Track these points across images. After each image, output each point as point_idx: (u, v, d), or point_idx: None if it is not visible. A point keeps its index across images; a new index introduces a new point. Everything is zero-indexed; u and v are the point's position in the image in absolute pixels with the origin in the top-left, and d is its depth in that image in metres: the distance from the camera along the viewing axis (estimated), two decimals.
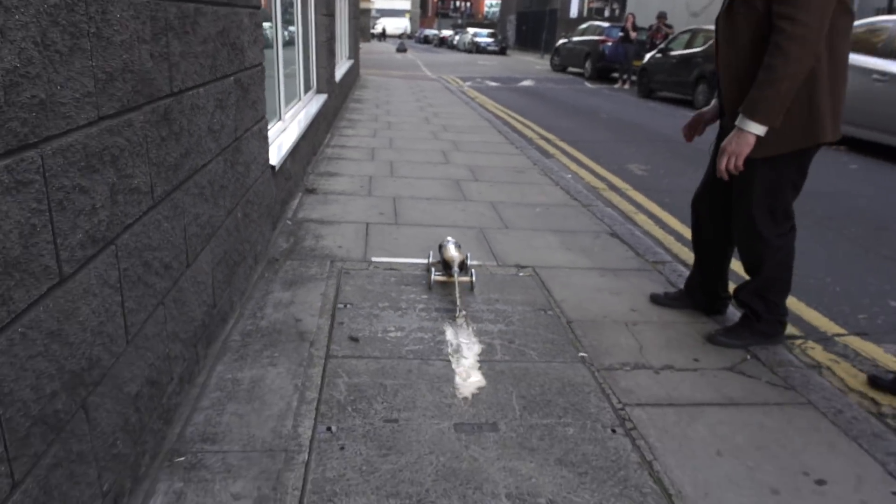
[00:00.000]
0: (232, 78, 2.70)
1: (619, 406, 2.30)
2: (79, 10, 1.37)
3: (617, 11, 25.70)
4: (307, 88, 6.63)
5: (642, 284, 3.45)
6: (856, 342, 3.26)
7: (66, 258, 1.32)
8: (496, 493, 1.81)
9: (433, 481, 1.84)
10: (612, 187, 6.16)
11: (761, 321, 2.81)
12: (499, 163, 6.42)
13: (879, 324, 3.46)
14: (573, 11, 28.19)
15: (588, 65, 17.82)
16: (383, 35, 51.31)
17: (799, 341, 3.25)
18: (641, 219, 5.17)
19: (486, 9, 65.54)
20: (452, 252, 3.20)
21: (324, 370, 2.40)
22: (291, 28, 5.60)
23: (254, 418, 2.09)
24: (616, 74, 17.01)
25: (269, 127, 4.19)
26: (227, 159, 2.63)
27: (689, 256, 4.32)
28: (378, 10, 61.19)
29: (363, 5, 44.03)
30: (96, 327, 1.45)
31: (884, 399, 2.68)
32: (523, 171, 6.13)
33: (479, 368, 2.49)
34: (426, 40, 50.61)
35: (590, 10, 27.10)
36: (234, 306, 2.79)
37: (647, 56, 14.01)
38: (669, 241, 4.59)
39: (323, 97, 6.83)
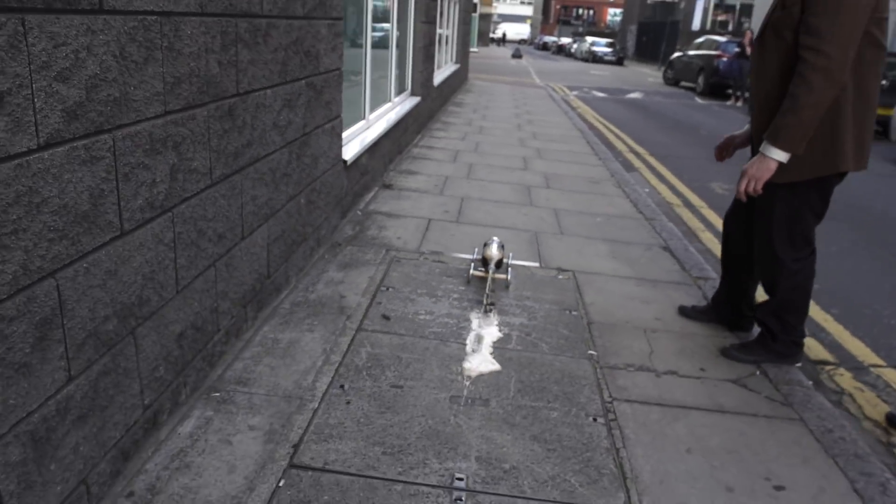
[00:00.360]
0: (304, 81, 3.11)
1: (609, 399, 2.50)
2: (153, 29, 1.78)
3: (746, 24, 24.70)
4: (401, 91, 7.08)
5: (677, 297, 3.57)
6: (890, 374, 3.24)
7: (126, 217, 1.74)
8: (468, 454, 2.08)
9: (416, 438, 2.14)
10: (687, 204, 6.17)
11: (777, 341, 2.89)
12: (577, 172, 6.58)
13: None
14: (696, 24, 27.35)
15: (701, 80, 17.35)
16: (503, 40, 51.80)
17: (829, 367, 3.27)
18: (706, 237, 5.20)
19: (608, 18, 64.63)
20: (492, 251, 3.47)
21: (352, 340, 2.76)
22: (386, 33, 6.04)
23: (282, 371, 2.48)
24: (730, 91, 16.45)
25: (351, 126, 4.63)
26: (292, 151, 3.05)
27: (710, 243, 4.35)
28: (500, 15, 61.73)
29: (483, 10, 44.63)
30: (148, 273, 1.86)
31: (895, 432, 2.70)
32: (599, 181, 6.27)
33: (491, 353, 2.75)
34: (545, 47, 50.63)
35: (714, 22, 26.21)
36: (289, 280, 3.21)
37: None
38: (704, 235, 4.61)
39: (415, 100, 7.25)
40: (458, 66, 13.17)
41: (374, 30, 5.37)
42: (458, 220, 4.60)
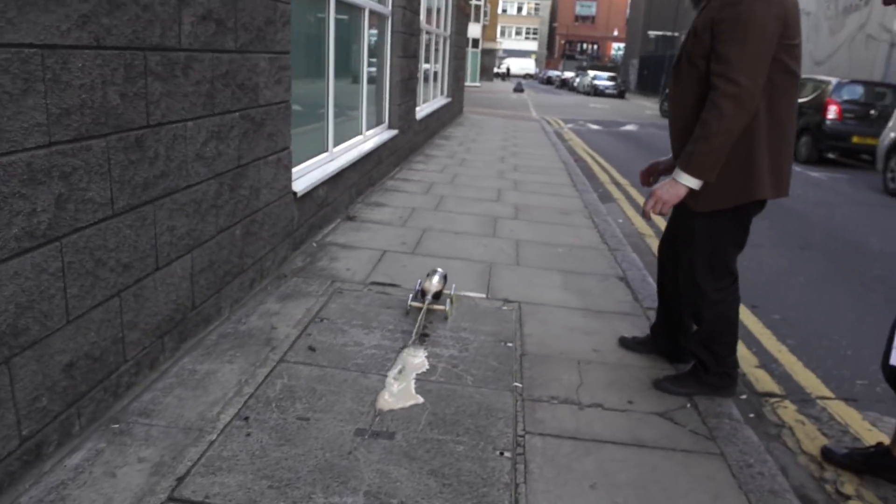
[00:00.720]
0: (237, 113, 3.14)
1: (521, 433, 2.45)
2: (33, 62, 1.81)
3: None
4: (377, 124, 7.15)
5: (622, 328, 3.52)
6: (838, 407, 3.17)
7: None
8: (357, 489, 2.04)
9: (308, 471, 2.10)
10: (660, 234, 6.13)
11: (710, 373, 2.84)
12: (550, 204, 6.58)
13: (876, 391, 3.33)
14: None
15: None
16: (507, 74, 52.46)
17: (775, 400, 3.21)
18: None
19: (612, 52, 65.39)
20: (431, 282, 3.46)
21: (270, 371, 2.73)
22: (356, 67, 6.12)
23: (190, 402, 2.45)
24: None
25: (311, 158, 4.66)
26: (223, 183, 3.06)
27: None
28: (505, 51, 62.60)
29: (487, 45, 45.29)
30: (25, 303, 1.85)
31: (829, 467, 2.63)
32: (570, 213, 6.26)
33: (411, 386, 2.71)
34: (549, 81, 51.24)
35: None
36: (222, 311, 3.20)
37: None
38: None
39: (392, 133, 7.31)
40: (449, 99, 13.32)
41: (340, 64, 5.45)
42: (414, 251, 4.60)
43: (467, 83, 34.61)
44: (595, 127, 17.03)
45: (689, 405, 2.79)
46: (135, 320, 2.44)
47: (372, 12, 6.36)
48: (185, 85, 2.65)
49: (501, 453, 2.30)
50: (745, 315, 4.28)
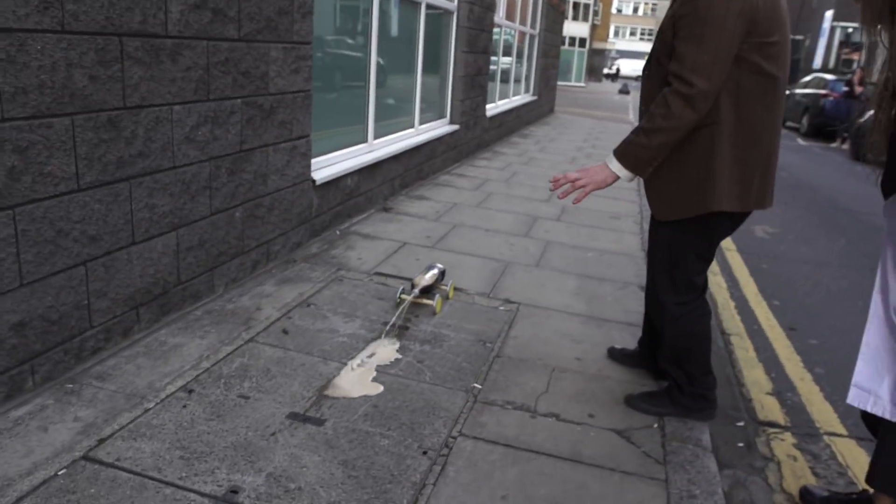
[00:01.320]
0: (239, 100, 3.26)
1: (455, 434, 2.40)
2: None
3: (857, 63, 22.93)
4: (437, 118, 7.18)
5: (618, 338, 3.37)
6: (846, 446, 2.89)
7: None
8: (262, 469, 2.07)
9: (223, 447, 2.16)
10: None
11: (684, 393, 2.66)
12: (602, 207, 6.36)
13: None
14: (817, 62, 25.67)
15: (805, 120, 16.24)
16: (616, 75, 51.09)
17: (774, 431, 2.98)
18: (715, 280, 4.87)
19: None
20: (423, 276, 3.45)
21: (235, 349, 2.82)
22: (411, 61, 6.17)
23: (146, 371, 2.58)
24: (833, 130, 15.30)
25: (347, 147, 4.76)
26: (219, 166, 3.19)
27: (730, 325, 4.05)
28: (618, 51, 60.95)
29: (598, 45, 44.30)
30: None
31: None
32: (620, 217, 6.03)
33: (366, 376, 2.72)
34: None
35: (839, 60, 24.50)
36: (215, 288, 3.33)
37: (868, 114, 12.46)
38: (723, 304, 4.31)
39: (452, 128, 7.32)
40: (534, 98, 13.15)
41: (388, 58, 5.52)
42: (435, 245, 4.59)
43: (569, 83, 34.11)
44: None
45: (656, 425, 2.63)
46: (104, 289, 2.59)
47: (432, 6, 6.38)
48: (173, 70, 2.77)
49: (425, 452, 2.26)
50: (778, 337, 3.97)
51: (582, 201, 6.30)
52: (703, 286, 2.54)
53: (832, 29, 24.98)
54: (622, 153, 2.30)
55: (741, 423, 3.01)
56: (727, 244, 5.85)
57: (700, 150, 2.25)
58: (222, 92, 3.12)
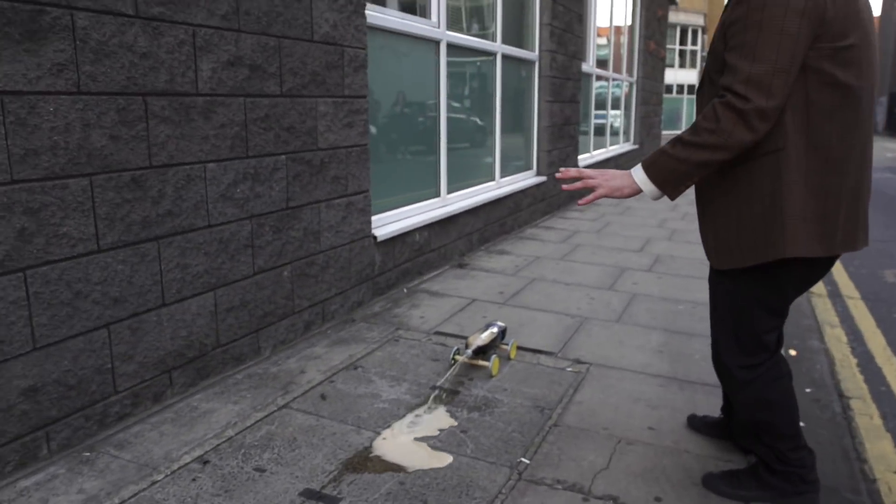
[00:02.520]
0: (283, 156, 3.20)
1: None
2: None
3: None
4: (522, 170, 6.96)
5: (703, 404, 2.89)
6: None
7: None
8: None
9: None
10: (834, 293, 5.09)
11: (774, 473, 2.17)
12: (700, 255, 5.81)
13: None
14: None
15: None
16: None
17: None
18: (833, 334, 4.21)
19: None
20: (477, 335, 3.16)
21: (266, 416, 2.64)
22: (487, 115, 6.03)
23: (168, 440, 2.44)
24: None
25: (417, 202, 4.63)
26: (263, 224, 3.11)
27: (851, 385, 3.43)
28: None
29: None
30: None
31: None
32: None
33: (400, 448, 2.44)
34: None
35: None
36: (261, 351, 3.21)
37: None
38: (842, 360, 3.68)
39: (538, 179, 7.06)
40: (635, 146, 12.67)
41: (461, 109, 5.41)
42: (507, 302, 4.28)
43: (678, 131, 32.94)
44: None
45: None
46: (130, 353, 2.51)
47: (508, 56, 6.25)
48: (205, 128, 2.74)
49: None
50: None
51: (679, 251, 5.82)
52: (777, 345, 2.08)
53: None
54: (651, 163, 1.89)
55: None
56: (849, 291, 5.10)
57: (763, 184, 1.83)
58: (263, 148, 3.06)
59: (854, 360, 3.78)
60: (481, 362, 3.10)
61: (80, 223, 2.27)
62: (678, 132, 33.40)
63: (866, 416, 3.15)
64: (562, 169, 2.01)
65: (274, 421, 2.61)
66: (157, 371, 2.65)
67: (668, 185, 1.88)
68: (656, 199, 1.94)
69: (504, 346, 3.32)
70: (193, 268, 2.76)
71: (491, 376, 3.09)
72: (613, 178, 1.97)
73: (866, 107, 1.83)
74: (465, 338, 3.56)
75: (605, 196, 1.98)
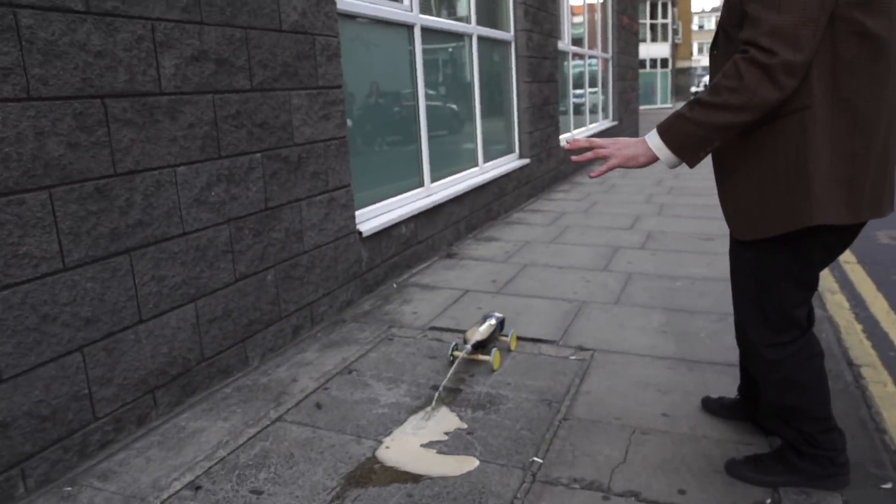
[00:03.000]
0: (259, 154, 3.02)
1: None
2: None
3: None
4: (505, 153, 6.81)
5: (715, 384, 2.78)
6: None
7: None
8: None
9: None
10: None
11: (803, 457, 2.05)
12: (691, 229, 5.71)
13: None
14: None
15: None
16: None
17: None
18: (835, 300, 4.13)
19: None
20: (474, 328, 3.02)
21: (259, 431, 2.49)
22: (465, 98, 5.87)
23: (156, 465, 2.28)
24: None
25: (400, 193, 4.47)
26: (241, 227, 2.93)
27: (859, 353, 3.34)
28: (704, 68, 58.84)
29: (682, 64, 42.91)
30: None
31: None
32: (713, 238, 5.36)
33: (404, 456, 2.30)
34: None
35: None
36: (249, 361, 3.04)
37: None
38: (847, 327, 3.59)
39: (522, 162, 6.92)
40: (614, 123, 12.57)
41: (439, 96, 5.24)
42: (500, 290, 4.15)
43: (654, 105, 32.98)
44: None
45: (769, 501, 2.03)
46: (107, 376, 2.34)
47: (484, 38, 6.08)
48: (172, 129, 2.55)
49: None
50: None
51: (669, 226, 5.71)
52: (809, 321, 1.95)
53: None
54: (667, 127, 1.73)
55: (888, 486, 2.33)
56: (845, 256, 5.03)
57: (788, 146, 1.69)
58: (236, 147, 2.88)
59: (859, 327, 3.70)
60: (482, 357, 2.96)
61: (41, 241, 2.09)
62: (654, 106, 33.41)
63: (879, 383, 3.06)
64: (569, 140, 1.85)
65: (268, 436, 2.45)
66: (139, 392, 2.48)
67: (686, 150, 1.73)
68: (673, 166, 1.79)
69: (503, 338, 3.18)
70: (170, 279, 2.58)
71: (492, 371, 2.95)
72: (626, 146, 1.82)
73: (892, 59, 1.69)
74: (463, 332, 3.42)
75: (619, 166, 1.83)
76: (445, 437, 2.40)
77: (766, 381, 1.96)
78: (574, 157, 1.87)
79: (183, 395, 2.68)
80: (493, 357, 2.94)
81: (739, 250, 1.91)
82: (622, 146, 1.83)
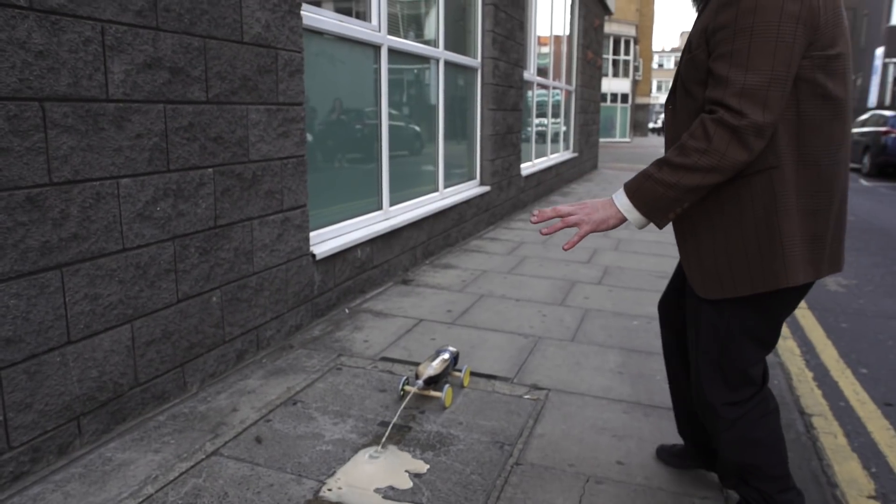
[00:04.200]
0: (210, 169, 2.87)
1: None
2: None
3: None
4: (466, 179, 6.76)
5: (671, 429, 2.72)
6: None
7: None
8: None
9: None
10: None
11: None
12: (649, 265, 5.73)
13: None
14: (872, 100, 24.58)
15: (866, 160, 15.28)
16: (662, 129, 50.60)
17: None
18: (785, 345, 4.16)
19: None
20: (427, 362, 2.91)
21: (192, 466, 2.31)
22: (429, 123, 5.80)
23: (73, 502, 2.08)
24: None
25: (359, 216, 4.34)
26: (187, 245, 2.77)
27: (810, 402, 3.33)
28: (661, 105, 60.54)
29: (641, 100, 44.05)
30: None
31: None
32: (669, 276, 5.38)
33: (346, 499, 2.16)
34: None
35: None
36: (187, 386, 2.86)
37: None
38: (798, 374, 3.60)
39: (482, 189, 6.88)
40: (574, 154, 12.72)
41: (402, 118, 5.16)
42: (455, 321, 4.05)
43: (613, 139, 33.66)
44: None
45: None
46: (27, 401, 2.15)
47: (451, 63, 6.05)
48: (118, 138, 2.39)
49: None
50: (873, 416, 3.24)
51: (627, 262, 5.72)
52: (763, 378, 1.91)
53: (885, 66, 24.01)
54: (636, 188, 1.69)
55: None
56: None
57: (756, 205, 1.64)
58: (187, 161, 2.73)
59: (810, 374, 3.73)
60: (433, 393, 2.85)
61: None
62: (613, 139, 34.10)
63: (830, 434, 3.06)
64: (536, 211, 1.77)
65: (202, 472, 2.28)
66: (63, 419, 2.28)
67: (656, 212, 1.67)
68: (641, 227, 1.73)
69: (457, 373, 3.08)
70: (105, 298, 2.40)
71: (444, 407, 2.84)
72: (594, 210, 1.75)
73: (849, 119, 1.69)
74: (415, 364, 3.30)
75: (592, 232, 1.76)
76: (392, 481, 2.27)
77: (724, 440, 1.90)
78: (543, 231, 1.80)
79: (112, 422, 2.49)
80: (446, 394, 2.83)
81: (701, 307, 1.85)
82: (590, 210, 1.76)
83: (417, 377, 2.85)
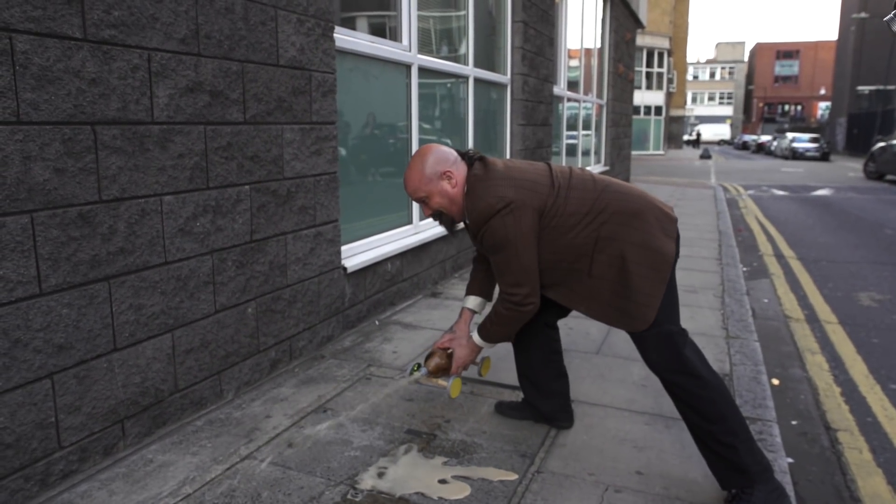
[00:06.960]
0: (247, 186, 3.02)
1: None
2: None
3: None
4: None
5: (691, 442, 2.76)
6: None
7: None
8: None
9: None
10: (812, 318, 5.06)
11: (756, 484, 2.18)
12: (678, 280, 5.73)
13: None
14: None
15: None
16: (697, 141, 49.93)
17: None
18: (814, 360, 4.15)
19: (819, 112, 59.28)
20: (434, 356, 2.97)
21: (227, 468, 2.44)
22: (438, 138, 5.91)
23: (118, 499, 2.22)
24: None
25: (389, 230, 4.47)
26: (223, 259, 2.92)
27: (837, 417, 3.34)
28: (697, 117, 59.92)
29: (675, 112, 43.68)
30: None
31: None
32: (697, 291, 5.39)
33: None
34: (744, 146, 48.11)
35: None
36: (223, 394, 3.00)
37: None
38: (826, 390, 3.60)
39: None
40: (606, 167, 12.73)
41: (433, 133, 5.29)
42: None
43: (646, 152, 33.43)
44: (779, 192, 15.24)
45: None
46: (76, 404, 2.30)
47: (480, 80, 6.17)
48: (162, 158, 2.55)
49: None
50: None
51: None
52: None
53: None
54: (486, 334, 2.55)
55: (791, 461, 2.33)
56: (826, 316, 5.07)
57: (615, 283, 2.24)
58: (225, 179, 2.88)
59: (838, 389, 3.72)
60: (440, 382, 2.91)
61: (19, 265, 2.07)
62: (646, 152, 33.90)
63: (855, 449, 3.07)
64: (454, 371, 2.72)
65: (236, 474, 2.41)
66: (108, 422, 2.43)
67: (496, 342, 2.56)
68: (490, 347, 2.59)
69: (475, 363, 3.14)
70: (148, 308, 2.56)
71: (450, 398, 2.91)
72: (469, 351, 2.69)
73: (600, 192, 2.26)
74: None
75: (469, 363, 2.71)
76: (418, 487, 2.36)
77: (712, 400, 2.21)
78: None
79: (153, 426, 2.64)
80: (451, 385, 2.89)
81: (643, 337, 2.34)
82: (466, 354, 2.70)
83: (420, 366, 2.91)
